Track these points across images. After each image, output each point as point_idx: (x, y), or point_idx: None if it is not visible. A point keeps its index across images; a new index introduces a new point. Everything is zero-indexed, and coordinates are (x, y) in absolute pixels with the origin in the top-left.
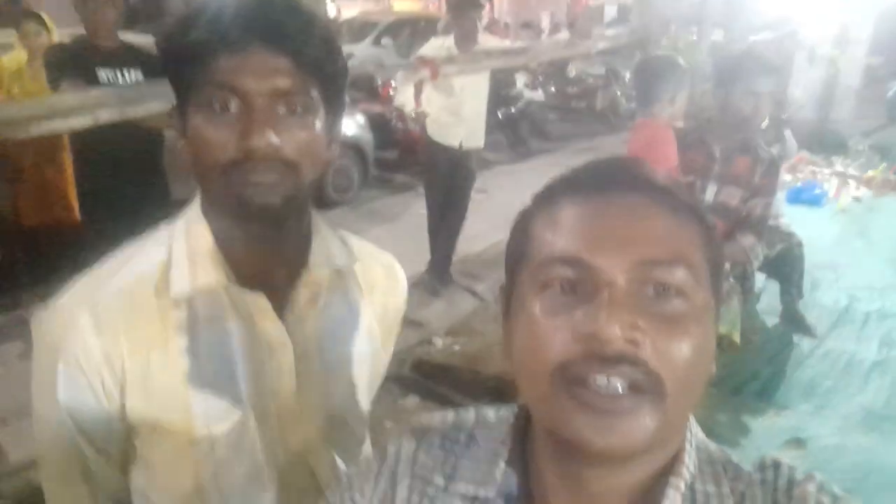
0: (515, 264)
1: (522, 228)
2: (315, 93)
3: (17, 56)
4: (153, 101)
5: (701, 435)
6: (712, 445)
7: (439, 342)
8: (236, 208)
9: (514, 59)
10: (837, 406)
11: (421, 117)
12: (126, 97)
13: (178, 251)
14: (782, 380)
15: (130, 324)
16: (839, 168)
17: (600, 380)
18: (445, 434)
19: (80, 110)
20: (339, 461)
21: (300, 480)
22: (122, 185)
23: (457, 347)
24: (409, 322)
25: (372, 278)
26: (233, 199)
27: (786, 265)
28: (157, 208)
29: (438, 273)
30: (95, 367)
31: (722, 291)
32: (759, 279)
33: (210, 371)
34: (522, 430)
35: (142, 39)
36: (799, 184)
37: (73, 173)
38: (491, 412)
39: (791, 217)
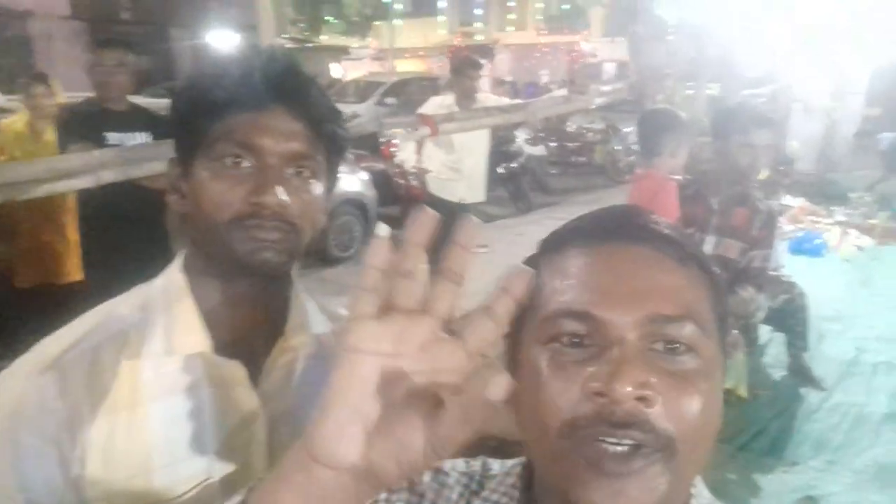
0: (522, 315)
1: None
2: (321, 158)
3: (20, 118)
4: (155, 162)
5: (706, 493)
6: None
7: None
8: (236, 264)
9: (512, 115)
10: (849, 461)
11: (421, 173)
12: (128, 158)
13: (155, 313)
14: (791, 435)
15: (96, 387)
16: (840, 217)
17: (610, 440)
18: (457, 479)
19: (82, 171)
20: None
21: None
22: (127, 245)
23: None
24: None
25: None
26: (234, 254)
27: (789, 316)
28: (160, 267)
29: None
30: (56, 434)
31: (727, 343)
32: (764, 332)
33: (178, 439)
34: (527, 486)
35: (151, 102)
36: (800, 234)
37: (77, 232)
38: (496, 464)
39: (793, 268)
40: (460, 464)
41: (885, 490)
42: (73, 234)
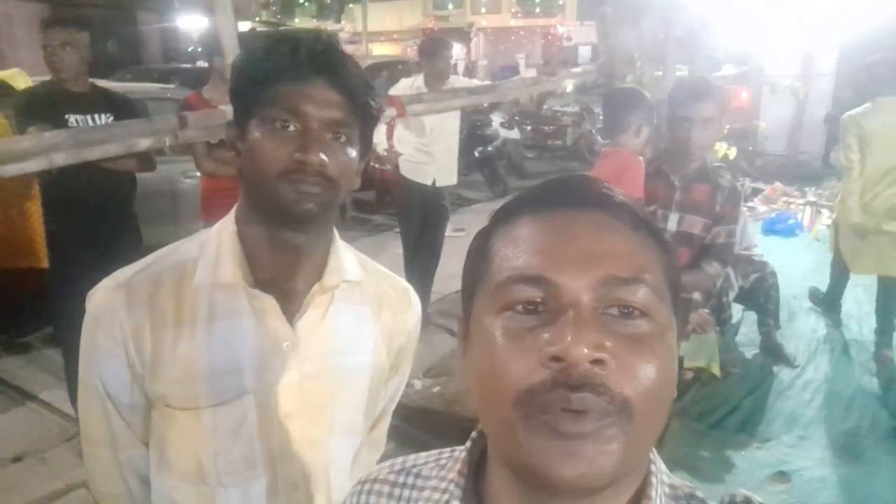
0: (474, 287)
1: (480, 248)
2: (356, 127)
3: None
4: (111, 144)
5: (664, 468)
6: (676, 480)
7: (418, 384)
8: (281, 212)
9: (481, 97)
10: (820, 437)
11: (393, 157)
12: (81, 140)
13: (208, 250)
14: (763, 412)
15: (156, 305)
16: (812, 198)
17: (566, 405)
18: (394, 482)
19: (33, 154)
20: (331, 465)
21: (293, 475)
22: (93, 230)
23: (436, 389)
24: None
25: (382, 296)
26: (280, 203)
27: (761, 295)
28: (129, 253)
29: None
30: (124, 339)
31: (681, 309)
32: (736, 311)
33: (219, 358)
34: (477, 464)
35: (118, 86)
36: (773, 215)
37: (41, 218)
38: (446, 452)
39: (766, 248)
40: (395, 465)
41: (854, 464)
42: (36, 220)
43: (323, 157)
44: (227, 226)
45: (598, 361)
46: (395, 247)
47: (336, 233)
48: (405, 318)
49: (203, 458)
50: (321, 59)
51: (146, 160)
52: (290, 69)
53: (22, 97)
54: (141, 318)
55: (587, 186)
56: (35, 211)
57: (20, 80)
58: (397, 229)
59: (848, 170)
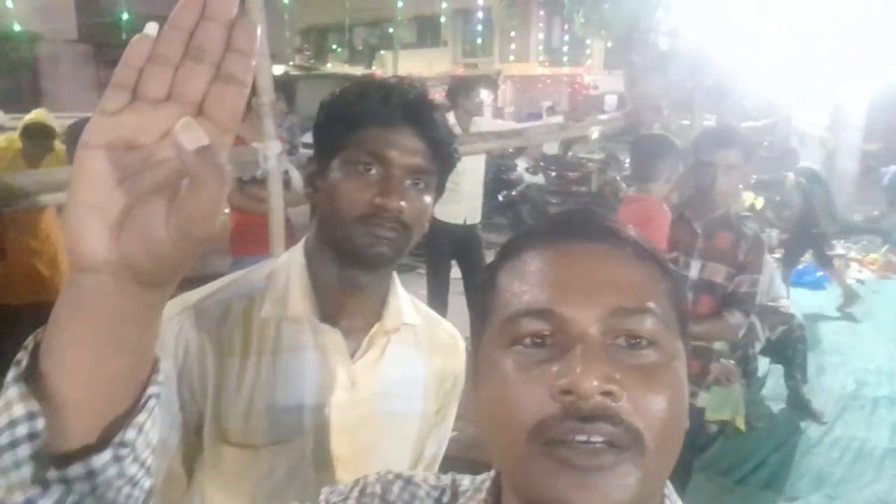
0: (483, 322)
1: (488, 283)
2: (435, 174)
3: (10, 137)
4: None
5: (678, 500)
6: None
7: None
8: (353, 253)
9: (508, 140)
10: (850, 497)
11: None
12: None
13: (276, 282)
14: (790, 468)
15: (223, 331)
16: (840, 251)
17: (580, 438)
18: (428, 492)
19: (66, 185)
20: None
21: None
22: None
23: (452, 434)
24: None
25: (434, 341)
26: (354, 245)
27: (788, 347)
28: None
29: None
30: (187, 363)
31: (689, 341)
32: (763, 364)
33: (282, 393)
34: (496, 501)
35: None
36: (801, 266)
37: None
38: (466, 480)
39: (793, 300)
40: (431, 477)
41: None
42: (61, 251)
43: (402, 203)
44: (296, 258)
45: (608, 393)
46: (416, 287)
47: (395, 273)
48: (454, 363)
49: (259, 499)
50: (411, 106)
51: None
52: (379, 114)
53: (74, 130)
54: (207, 343)
55: (591, 219)
56: (61, 243)
57: (50, 119)
58: (420, 270)
59: None
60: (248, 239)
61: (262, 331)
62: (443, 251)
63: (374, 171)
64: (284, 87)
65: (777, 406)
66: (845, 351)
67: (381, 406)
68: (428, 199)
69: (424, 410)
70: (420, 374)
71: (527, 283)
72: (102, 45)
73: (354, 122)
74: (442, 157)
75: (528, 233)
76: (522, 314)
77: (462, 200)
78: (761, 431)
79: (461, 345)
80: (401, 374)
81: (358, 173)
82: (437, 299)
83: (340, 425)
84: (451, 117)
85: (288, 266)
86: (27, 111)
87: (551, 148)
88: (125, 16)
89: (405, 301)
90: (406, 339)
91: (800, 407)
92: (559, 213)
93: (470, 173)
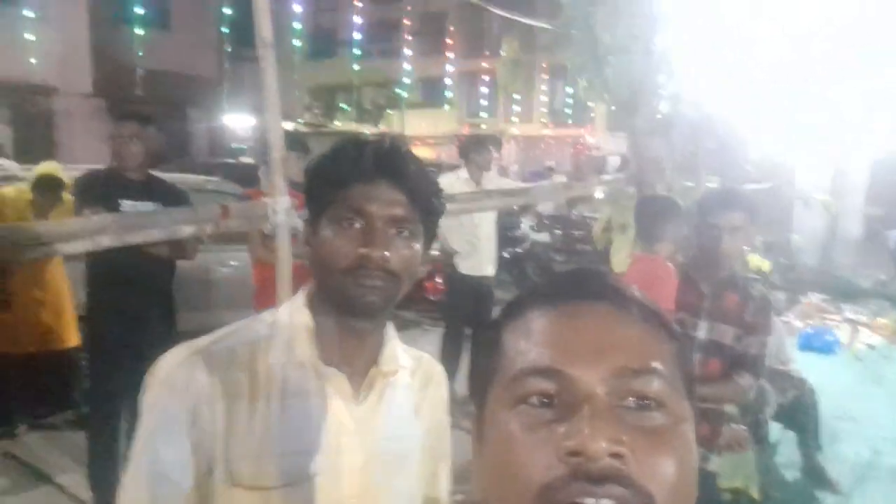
0: (486, 381)
1: (491, 342)
2: (419, 222)
3: (19, 188)
4: (154, 229)
5: None
6: None
7: None
8: (346, 303)
9: (515, 199)
10: None
11: (450, 253)
12: (126, 224)
13: (281, 329)
14: None
15: (231, 375)
16: (850, 315)
17: (589, 501)
18: None
19: (79, 235)
20: None
21: None
22: (129, 311)
23: (459, 497)
24: None
25: (425, 376)
26: (345, 295)
27: (800, 413)
28: (161, 340)
29: None
30: (198, 405)
31: (696, 403)
32: (775, 430)
33: (291, 436)
34: None
35: (166, 177)
36: (810, 330)
37: (72, 299)
38: None
39: (803, 364)
40: None
41: None
42: (67, 300)
43: (386, 253)
44: (298, 306)
45: (617, 455)
46: (422, 344)
47: (387, 319)
48: (441, 391)
49: None
50: (385, 160)
51: (181, 248)
52: (357, 171)
53: (82, 181)
54: (217, 387)
55: (595, 279)
56: (65, 292)
57: (61, 171)
58: (425, 326)
59: None
60: (272, 293)
61: (269, 375)
62: (463, 306)
63: (357, 225)
64: (299, 142)
65: (791, 475)
66: (858, 418)
67: (384, 447)
68: (416, 245)
69: (423, 448)
70: (416, 416)
71: (532, 342)
72: (117, 98)
73: (336, 180)
74: (423, 205)
75: (534, 292)
76: (528, 373)
77: (483, 251)
78: (776, 501)
79: (442, 369)
80: (399, 416)
81: (343, 228)
82: (451, 358)
83: (350, 467)
84: (463, 172)
85: (292, 315)
86: (38, 162)
87: (546, 208)
88: (140, 71)
89: (398, 347)
90: (401, 380)
91: (815, 476)
92: (564, 273)
93: (483, 224)
